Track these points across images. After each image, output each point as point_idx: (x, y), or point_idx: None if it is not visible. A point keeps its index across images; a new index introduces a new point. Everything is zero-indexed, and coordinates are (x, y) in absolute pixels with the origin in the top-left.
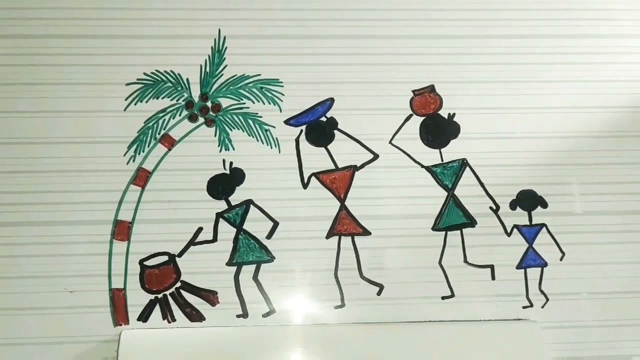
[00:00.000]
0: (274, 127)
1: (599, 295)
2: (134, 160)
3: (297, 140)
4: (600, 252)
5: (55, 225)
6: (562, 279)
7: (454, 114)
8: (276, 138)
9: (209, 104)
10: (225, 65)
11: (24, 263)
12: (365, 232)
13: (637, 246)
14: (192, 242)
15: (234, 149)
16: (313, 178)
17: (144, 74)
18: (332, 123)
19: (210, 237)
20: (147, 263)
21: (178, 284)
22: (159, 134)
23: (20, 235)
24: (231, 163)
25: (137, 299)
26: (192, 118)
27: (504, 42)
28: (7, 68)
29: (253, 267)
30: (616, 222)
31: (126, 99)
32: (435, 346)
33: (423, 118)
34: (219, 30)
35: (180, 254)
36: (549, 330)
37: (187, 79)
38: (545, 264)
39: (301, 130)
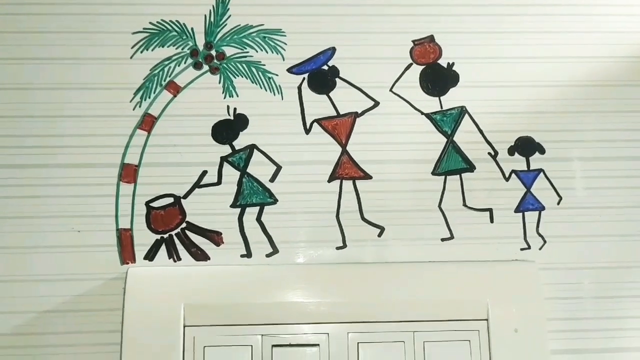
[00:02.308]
0: (277, 74)
1: (597, 238)
2: (140, 106)
3: (299, 88)
4: (597, 196)
5: (64, 168)
6: (560, 222)
7: (453, 63)
8: (279, 85)
9: (213, 52)
10: (229, 16)
11: (34, 204)
12: (367, 176)
13: (633, 191)
14: (197, 184)
15: (237, 96)
16: (315, 124)
17: (150, 23)
18: (334, 71)
19: (215, 180)
20: (153, 204)
21: (183, 225)
22: (164, 81)
23: (32, 177)
24: (235, 109)
25: (144, 238)
26: (197, 66)
27: None
28: (15, 17)
29: (257, 209)
30: (613, 167)
31: (132, 47)
32: (434, 285)
33: (423, 67)
34: None
35: (186, 196)
36: (545, 271)
37: (192, 29)
38: (543, 208)
39: (303, 78)
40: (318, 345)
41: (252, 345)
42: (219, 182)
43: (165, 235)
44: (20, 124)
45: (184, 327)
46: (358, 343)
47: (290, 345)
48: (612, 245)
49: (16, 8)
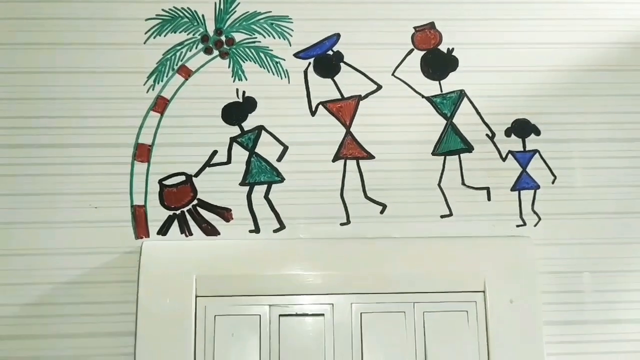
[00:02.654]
0: (284, 59)
1: (590, 216)
2: (153, 89)
3: (305, 72)
4: (590, 175)
5: (81, 147)
6: (554, 200)
7: (452, 49)
8: (286, 70)
9: (223, 38)
10: (239, 3)
11: (54, 181)
12: (369, 156)
13: (627, 170)
14: (208, 163)
15: (246, 80)
16: (320, 106)
17: (162, 10)
18: (339, 56)
19: (225, 160)
20: (166, 182)
21: (195, 202)
22: (176, 65)
23: (52, 156)
24: (244, 92)
25: (157, 214)
26: (208, 51)
27: None
28: (37, 4)
29: (264, 187)
30: (605, 148)
31: (145, 33)
32: (433, 259)
33: (423, 52)
34: None
35: (197, 174)
36: (540, 246)
37: (203, 15)
38: (538, 187)
39: (309, 63)
40: (323, 315)
41: (260, 315)
42: (228, 162)
43: (178, 212)
44: (40, 106)
45: (196, 297)
46: (361, 313)
47: (297, 314)
48: (604, 223)
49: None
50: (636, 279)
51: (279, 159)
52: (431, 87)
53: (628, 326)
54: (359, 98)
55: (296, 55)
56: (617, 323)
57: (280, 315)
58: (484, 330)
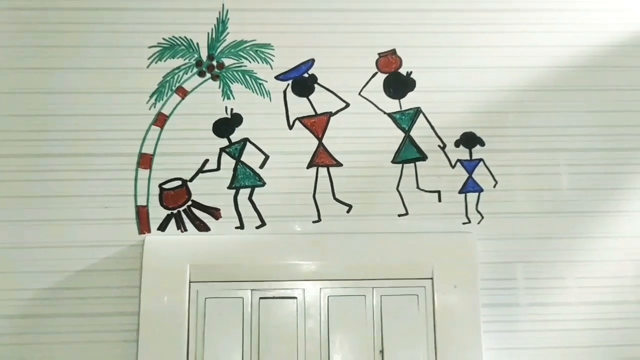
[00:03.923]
0: (266, 81)
1: (525, 215)
2: (154, 107)
3: (284, 92)
4: (525, 181)
5: (93, 156)
6: (495, 202)
7: (411, 72)
8: (268, 90)
9: (214, 62)
10: (228, 33)
11: (70, 185)
12: (338, 164)
13: (551, 177)
14: (201, 170)
15: (234, 98)
16: (297, 121)
17: (163, 38)
18: (313, 78)
19: (215, 167)
20: (165, 186)
21: (189, 203)
22: (174, 86)
23: (68, 164)
24: (232, 109)
25: (157, 213)
26: (201, 74)
27: (451, 14)
28: (56, 34)
29: (248, 190)
30: (537, 157)
31: (148, 59)
32: (391, 251)
33: (386, 75)
34: (223, 5)
35: (191, 179)
36: (482, 241)
37: (197, 43)
38: (482, 190)
39: (288, 84)
40: (296, 298)
41: (243, 298)
42: (218, 168)
43: (175, 211)
44: (57, 121)
45: (190, 282)
46: (328, 296)
47: (274, 297)
48: (536, 221)
49: (62, 27)
50: (561, 268)
51: (261, 166)
52: (392, 105)
53: (553, 308)
54: (330, 114)
55: (277, 77)
56: (544, 306)
57: (260, 298)
58: (431, 311)
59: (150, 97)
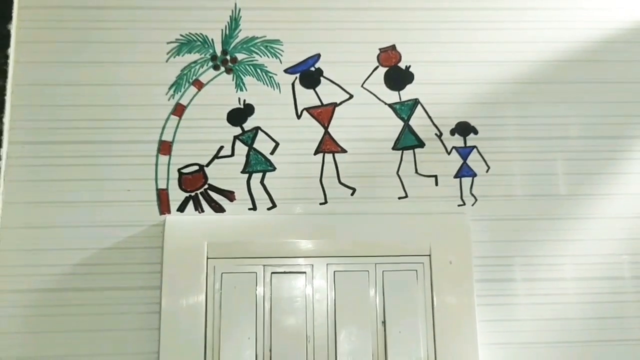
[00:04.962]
0: (276, 74)
1: (515, 198)
2: (173, 98)
3: (293, 84)
4: (515, 166)
5: (118, 144)
6: (488, 185)
7: (409, 66)
8: (277, 82)
9: (228, 57)
10: (240, 29)
11: (97, 170)
12: (343, 151)
13: (540, 162)
14: (216, 156)
15: (246, 90)
16: (304, 111)
17: (180, 35)
18: (319, 72)
19: (229, 153)
20: (183, 171)
21: (206, 186)
22: (191, 79)
23: (95, 150)
24: (244, 100)
25: (177, 196)
26: (216, 67)
27: (448, 12)
28: (87, 30)
29: (260, 174)
30: (527, 145)
31: (167, 53)
32: (392, 230)
33: (387, 69)
34: (235, 4)
35: (208, 165)
36: (475, 221)
37: (212, 39)
38: (475, 175)
39: (296, 77)
40: (305, 272)
41: (256, 272)
42: (232, 155)
43: (193, 194)
44: (84, 110)
45: (207, 259)
46: (334, 272)
47: (284, 272)
48: (526, 203)
49: (89, 24)
50: (549, 246)
51: (272, 153)
52: (392, 96)
53: (542, 283)
54: (335, 105)
55: (285, 71)
56: (532, 281)
57: (272, 273)
58: (429, 285)
59: (169, 89)
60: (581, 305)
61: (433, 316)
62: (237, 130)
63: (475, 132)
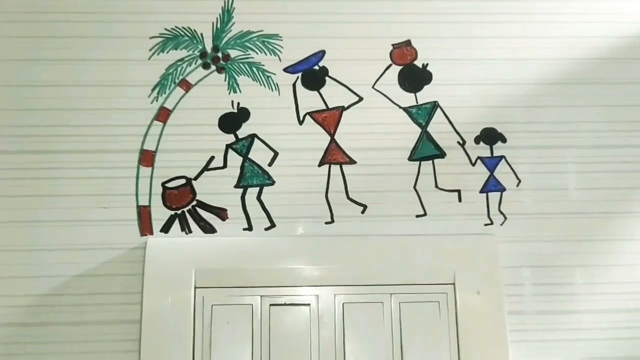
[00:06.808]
0: (275, 74)
1: (550, 216)
2: (157, 101)
3: (294, 85)
4: (551, 179)
5: (92, 153)
6: (518, 202)
7: (427, 64)
8: (276, 83)
9: (219, 54)
10: (234, 23)
11: (67, 184)
12: (352, 162)
13: (580, 175)
14: (206, 168)
15: (240, 92)
16: (307, 116)
17: (165, 29)
18: (324, 71)
19: (221, 164)
20: (168, 185)
21: (194, 202)
22: (177, 79)
23: (65, 161)
24: (238, 103)
25: (160, 214)
26: (206, 66)
27: (469, 3)
28: (57, 24)
29: (257, 189)
30: (564, 154)
31: (150, 50)
32: (409, 254)
33: (401, 67)
34: None
35: (196, 178)
36: (505, 243)
37: (202, 34)
38: (504, 189)
39: (297, 77)
40: (309, 304)
41: (252, 304)
42: (224, 166)
43: (179, 212)
44: (52, 116)
45: (195, 288)
46: (343, 303)
47: (285, 304)
48: (562, 222)
49: (57, 16)
50: (589, 273)
51: (270, 164)
52: (408, 99)
53: (582, 316)
54: (342, 109)
55: (285, 70)
56: (571, 313)
57: (270, 305)
58: (454, 319)
59: (152, 90)
60: (634, 342)
61: (459, 355)
62: (230, 138)
63: (504, 140)
